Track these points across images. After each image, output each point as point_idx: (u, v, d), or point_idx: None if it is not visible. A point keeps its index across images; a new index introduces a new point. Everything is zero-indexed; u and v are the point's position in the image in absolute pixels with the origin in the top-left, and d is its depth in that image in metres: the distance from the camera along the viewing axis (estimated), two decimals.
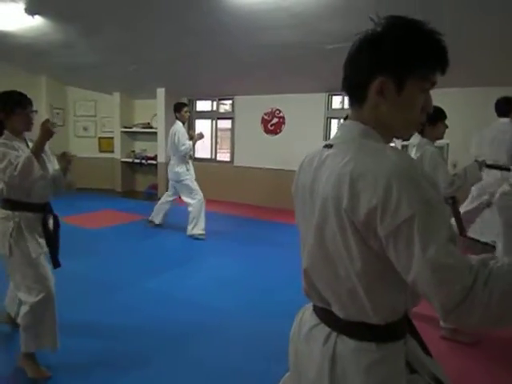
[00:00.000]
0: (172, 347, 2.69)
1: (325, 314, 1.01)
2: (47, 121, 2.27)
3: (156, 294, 3.57)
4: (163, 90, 8.11)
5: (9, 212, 2.36)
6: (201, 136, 5.69)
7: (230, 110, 8.42)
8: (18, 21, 5.17)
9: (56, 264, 2.50)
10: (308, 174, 1.01)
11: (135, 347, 2.68)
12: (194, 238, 5.36)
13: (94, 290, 3.60)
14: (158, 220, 5.86)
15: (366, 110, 0.96)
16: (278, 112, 7.64)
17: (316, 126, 7.19)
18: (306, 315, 1.09)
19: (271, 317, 3.13)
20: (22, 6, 4.74)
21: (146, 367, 2.46)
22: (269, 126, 7.77)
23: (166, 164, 8.28)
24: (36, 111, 2.50)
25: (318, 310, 1.04)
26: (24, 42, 6.04)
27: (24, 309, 2.31)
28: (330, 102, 7.19)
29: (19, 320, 2.33)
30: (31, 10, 4.82)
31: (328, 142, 1.00)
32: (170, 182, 5.74)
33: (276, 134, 7.71)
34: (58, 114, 8.83)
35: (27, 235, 2.36)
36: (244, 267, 4.38)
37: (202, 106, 8.76)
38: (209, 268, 4.37)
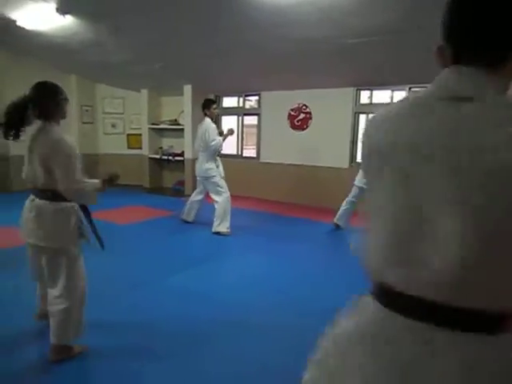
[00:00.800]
0: (197, 343, 2.70)
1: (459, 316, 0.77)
2: (116, 176, 2.52)
3: (181, 289, 3.59)
4: (190, 86, 8.15)
5: (67, 203, 2.35)
6: (231, 132, 5.69)
7: (256, 106, 8.40)
8: (50, 20, 5.29)
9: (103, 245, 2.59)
10: (426, 131, 0.79)
11: (160, 342, 2.70)
12: (219, 234, 5.38)
13: (120, 285, 3.65)
14: (190, 218, 5.89)
15: (502, 72, 0.80)
16: (304, 107, 7.58)
17: (344, 122, 7.09)
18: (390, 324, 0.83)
19: (298, 314, 3.12)
20: (53, 6, 4.85)
21: (171, 361, 2.47)
22: (295, 121, 7.71)
23: (193, 160, 8.32)
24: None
25: (435, 312, 0.78)
26: (55, 41, 6.18)
27: (63, 304, 2.33)
28: (358, 97, 7.07)
29: (53, 315, 2.36)
30: (62, 9, 4.93)
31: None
32: (198, 179, 5.76)
33: (303, 129, 7.65)
34: (87, 111, 9.01)
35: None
36: (270, 263, 4.37)
37: (228, 102, 8.77)
38: (234, 264, 4.38)
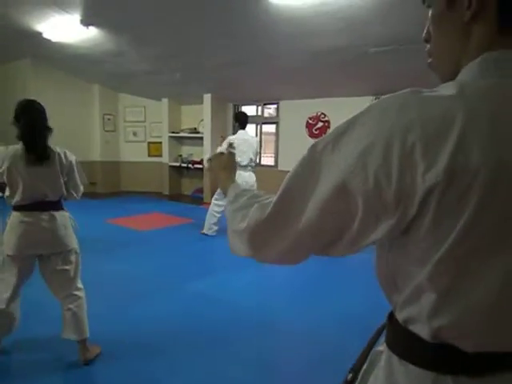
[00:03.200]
0: (215, 345, 2.73)
1: None
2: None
3: (202, 295, 3.62)
4: (209, 95, 8.26)
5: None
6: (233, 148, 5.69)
7: (275, 114, 8.44)
8: (74, 32, 5.46)
9: None
10: None
11: (181, 346, 2.73)
12: None
13: (139, 289, 3.71)
14: (210, 232, 5.82)
15: None
16: (323, 116, 7.59)
17: None
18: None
19: (319, 323, 3.11)
20: (77, 18, 5.01)
21: (189, 363, 2.51)
22: (313, 130, 7.72)
23: None
24: None
25: None
26: (79, 51, 6.36)
27: (81, 299, 2.51)
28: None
29: (73, 310, 2.46)
30: (86, 21, 5.08)
31: None
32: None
33: None
34: (109, 119, 9.21)
35: None
36: (291, 271, 4.37)
37: (247, 110, 8.83)
38: (256, 271, 4.38)
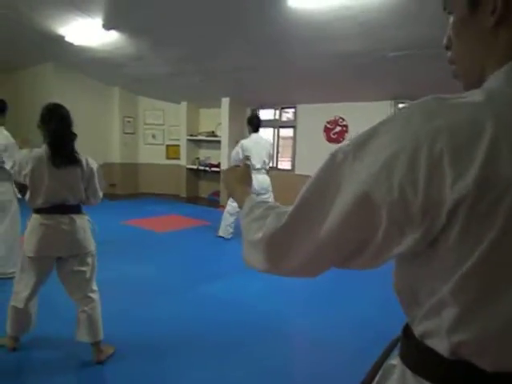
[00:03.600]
0: (228, 350, 2.73)
1: None
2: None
3: (215, 298, 3.64)
4: (228, 99, 8.29)
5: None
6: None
7: (292, 118, 8.43)
8: (96, 36, 5.56)
9: None
10: None
11: (192, 348, 2.75)
12: None
13: (156, 291, 3.74)
14: (226, 235, 5.85)
15: None
16: (341, 120, 7.54)
17: None
18: None
19: (333, 329, 3.09)
20: (99, 22, 5.10)
21: (203, 367, 2.52)
22: (331, 134, 7.68)
23: None
24: None
25: None
26: (100, 55, 6.47)
27: (95, 301, 2.54)
28: (395, 110, 6.98)
29: (88, 312, 2.49)
30: (108, 25, 5.17)
31: None
32: (255, 193, 5.72)
33: (339, 142, 7.60)
34: (128, 122, 9.32)
35: None
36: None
37: (264, 114, 8.84)
38: (270, 276, 4.36)
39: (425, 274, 0.61)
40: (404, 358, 0.69)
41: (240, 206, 1.00)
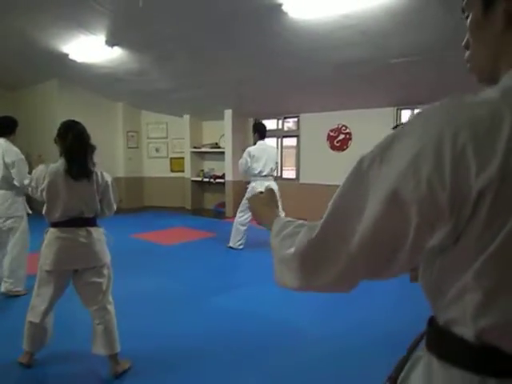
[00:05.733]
0: (244, 361, 2.72)
1: None
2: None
3: (229, 310, 3.63)
4: (230, 111, 8.35)
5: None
6: None
7: (295, 127, 8.46)
8: (99, 52, 5.62)
9: None
10: None
11: (207, 361, 2.73)
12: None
13: (165, 303, 3.73)
14: (237, 245, 5.84)
15: None
16: (344, 128, 7.57)
17: None
18: None
19: (346, 336, 3.07)
20: (102, 39, 5.17)
21: (219, 380, 2.50)
22: (335, 142, 7.70)
23: (234, 182, 8.42)
24: None
25: None
26: (104, 71, 6.53)
27: (111, 313, 2.53)
28: (398, 117, 7.00)
29: (105, 324, 2.49)
30: (111, 41, 5.23)
31: None
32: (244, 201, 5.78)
33: (343, 150, 7.63)
34: (132, 136, 9.38)
35: None
36: None
37: (267, 124, 8.87)
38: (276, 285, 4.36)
39: (450, 265, 0.62)
40: (430, 347, 0.70)
41: (268, 227, 0.99)
